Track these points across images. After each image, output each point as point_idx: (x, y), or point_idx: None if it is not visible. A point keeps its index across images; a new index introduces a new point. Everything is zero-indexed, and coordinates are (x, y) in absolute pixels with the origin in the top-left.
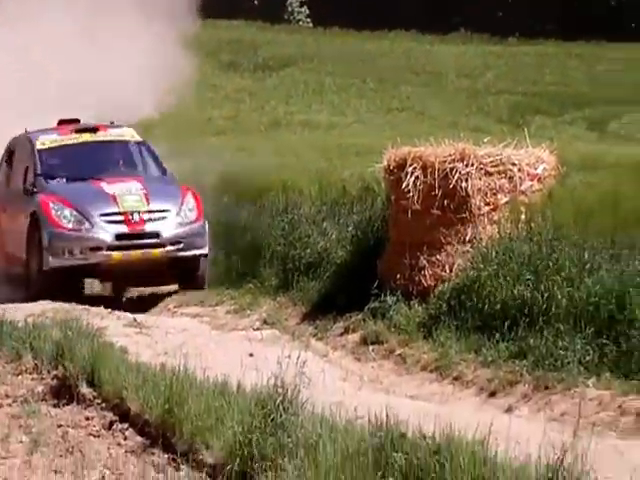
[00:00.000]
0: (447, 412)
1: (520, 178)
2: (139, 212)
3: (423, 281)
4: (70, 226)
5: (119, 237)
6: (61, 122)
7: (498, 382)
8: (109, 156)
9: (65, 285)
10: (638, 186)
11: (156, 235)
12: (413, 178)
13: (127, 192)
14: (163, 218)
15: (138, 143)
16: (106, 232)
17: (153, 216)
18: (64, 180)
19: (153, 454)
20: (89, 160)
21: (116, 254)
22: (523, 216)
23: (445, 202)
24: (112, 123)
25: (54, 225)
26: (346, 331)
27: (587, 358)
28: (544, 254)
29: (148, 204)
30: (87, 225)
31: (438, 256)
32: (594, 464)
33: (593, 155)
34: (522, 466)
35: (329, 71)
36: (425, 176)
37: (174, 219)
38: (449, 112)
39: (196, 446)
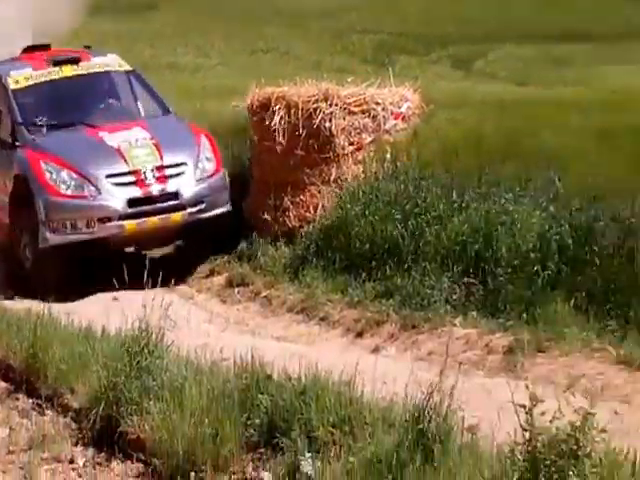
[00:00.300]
0: (313, 353)
1: (384, 117)
2: (152, 169)
3: (288, 222)
4: (70, 192)
5: (132, 203)
6: (28, 49)
7: (365, 322)
8: (99, 94)
9: (67, 264)
10: (503, 123)
11: (175, 196)
12: (277, 118)
13: (134, 144)
14: (180, 174)
15: (128, 73)
16: (116, 198)
17: (169, 172)
18: (51, 129)
19: (17, 399)
20: (76, 101)
21: (130, 224)
22: (388, 155)
23: (309, 142)
24: (88, 47)
25: (50, 192)
26: (211, 273)
27: (454, 297)
28: (411, 193)
29: (161, 158)
30: (92, 190)
31: (302, 197)
32: (461, 403)
33: (458, 93)
34: (389, 406)
35: (193, 13)
36: (289, 116)
37: (192, 174)
38: (313, 53)
39: (61, 391)
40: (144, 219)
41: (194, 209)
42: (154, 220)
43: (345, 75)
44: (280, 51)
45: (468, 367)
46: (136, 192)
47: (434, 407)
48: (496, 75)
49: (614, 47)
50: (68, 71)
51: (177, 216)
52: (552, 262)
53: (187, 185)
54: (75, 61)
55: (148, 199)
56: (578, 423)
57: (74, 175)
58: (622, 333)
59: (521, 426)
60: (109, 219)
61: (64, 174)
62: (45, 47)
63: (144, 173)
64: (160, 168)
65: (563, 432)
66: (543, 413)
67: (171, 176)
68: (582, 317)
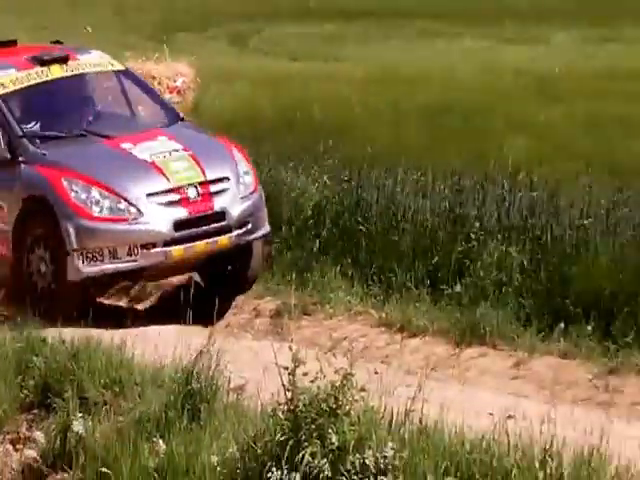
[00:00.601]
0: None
1: (160, 91)
2: (196, 185)
3: None
4: (104, 215)
5: (178, 226)
6: None
7: (139, 288)
8: (98, 98)
9: (98, 296)
10: (277, 97)
11: (222, 216)
12: None
13: (169, 156)
14: (224, 191)
15: (118, 73)
16: (161, 220)
17: (213, 189)
18: (58, 141)
19: None
20: (76, 107)
21: (177, 250)
22: None
23: None
24: (59, 43)
25: (81, 215)
26: None
27: None
28: None
29: (203, 172)
30: (132, 212)
31: None
32: (230, 364)
33: (234, 68)
34: (159, 368)
35: None
36: None
37: (236, 190)
38: (97, 29)
39: None
40: (191, 244)
41: (241, 231)
42: (201, 245)
43: (125, 51)
44: (62, 27)
45: (238, 330)
46: (182, 213)
47: (202, 369)
48: (271, 51)
49: (387, 25)
50: (57, 72)
51: (224, 239)
52: (325, 230)
53: (233, 203)
54: (63, 60)
55: (194, 221)
56: (338, 383)
57: (106, 193)
58: (384, 297)
59: (284, 386)
60: (153, 245)
61: (95, 192)
62: (10, 43)
63: (187, 191)
64: (204, 184)
65: (324, 392)
66: (305, 374)
67: (216, 193)
68: (348, 282)
